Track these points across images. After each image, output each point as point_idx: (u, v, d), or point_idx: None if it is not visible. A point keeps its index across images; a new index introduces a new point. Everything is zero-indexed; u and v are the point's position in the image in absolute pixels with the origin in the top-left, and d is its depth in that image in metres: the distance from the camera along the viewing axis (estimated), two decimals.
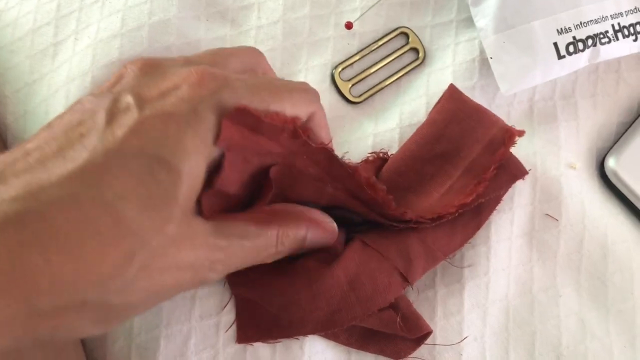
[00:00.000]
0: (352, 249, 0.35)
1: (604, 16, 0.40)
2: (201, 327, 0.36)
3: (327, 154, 0.32)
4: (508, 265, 0.39)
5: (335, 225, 0.35)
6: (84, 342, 0.38)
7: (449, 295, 0.38)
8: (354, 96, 0.41)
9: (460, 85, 0.41)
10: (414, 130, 0.40)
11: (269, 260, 0.33)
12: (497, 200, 0.39)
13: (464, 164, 0.37)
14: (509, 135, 0.37)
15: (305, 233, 0.33)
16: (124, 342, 0.36)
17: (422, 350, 0.37)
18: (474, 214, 0.38)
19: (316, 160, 0.32)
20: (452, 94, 0.39)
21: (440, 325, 0.38)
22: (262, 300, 0.35)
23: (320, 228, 0.34)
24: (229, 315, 0.37)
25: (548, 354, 0.39)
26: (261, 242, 0.31)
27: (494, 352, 0.38)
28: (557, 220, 0.40)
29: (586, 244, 0.40)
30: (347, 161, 0.36)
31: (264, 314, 0.35)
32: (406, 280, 0.36)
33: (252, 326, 0.35)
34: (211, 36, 0.41)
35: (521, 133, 0.38)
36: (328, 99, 0.41)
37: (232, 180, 0.30)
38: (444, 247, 0.37)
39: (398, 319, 0.35)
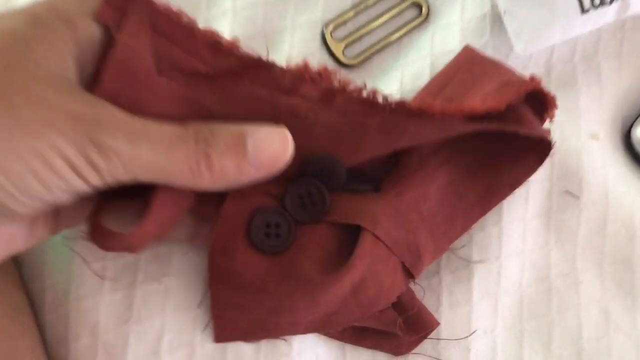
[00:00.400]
0: (363, 251, 0.30)
1: None
2: (176, 322, 0.32)
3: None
4: (522, 249, 0.36)
5: (289, 134, 0.29)
6: (44, 340, 0.33)
7: (455, 283, 0.35)
8: (348, 58, 0.36)
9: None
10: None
11: (204, 183, 0.27)
12: (515, 182, 0.34)
13: (475, 99, 0.32)
14: (531, 80, 0.32)
15: (243, 133, 0.27)
16: (89, 339, 0.32)
17: (425, 345, 0.34)
18: (481, 194, 0.33)
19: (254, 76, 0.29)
20: (466, 50, 0.34)
21: (445, 317, 0.34)
22: (247, 301, 0.30)
23: (267, 133, 0.28)
24: (203, 308, 0.32)
25: (567, 348, 0.35)
26: (169, 130, 0.26)
27: (506, 347, 0.35)
28: (577, 197, 0.37)
29: (610, 225, 0.37)
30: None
31: (247, 314, 0.31)
32: (411, 276, 0.31)
33: (231, 325, 0.31)
34: None
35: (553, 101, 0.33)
36: (318, 61, 0.36)
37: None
38: (448, 233, 0.33)
39: (399, 321, 0.31)
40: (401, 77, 0.37)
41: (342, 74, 0.31)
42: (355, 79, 0.37)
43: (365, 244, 0.30)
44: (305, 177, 0.31)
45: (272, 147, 0.28)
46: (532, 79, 0.32)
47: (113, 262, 0.32)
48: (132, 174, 0.25)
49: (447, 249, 0.33)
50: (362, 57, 0.37)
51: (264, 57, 0.29)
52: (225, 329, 0.31)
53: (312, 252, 0.31)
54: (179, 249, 0.33)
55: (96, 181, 0.25)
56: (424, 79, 0.37)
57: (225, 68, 0.29)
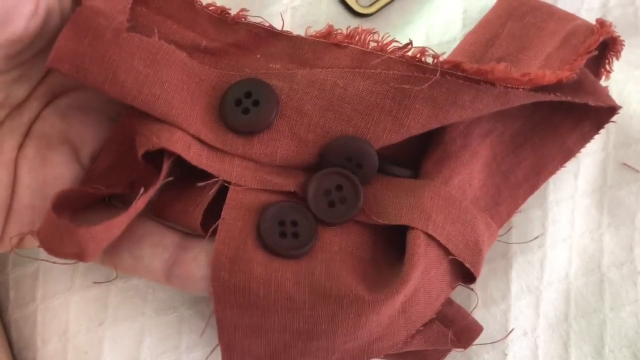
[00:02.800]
0: (417, 256, 0.24)
1: None
2: (158, 324, 0.28)
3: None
4: (570, 234, 0.31)
5: None
6: (9, 341, 0.29)
7: (490, 276, 0.30)
8: (362, 6, 0.31)
9: None
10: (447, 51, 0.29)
11: None
12: (567, 153, 0.28)
13: (536, 63, 0.27)
14: (601, 26, 0.26)
15: None
16: (58, 342, 0.29)
17: (453, 352, 0.29)
18: (527, 171, 0.28)
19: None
20: None
21: (479, 317, 0.29)
22: (267, 323, 0.24)
23: None
24: (193, 309, 0.28)
25: (621, 350, 0.31)
26: None
27: (549, 350, 0.30)
28: (637, 171, 0.32)
29: None
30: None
31: (267, 339, 0.25)
32: (468, 277, 0.26)
33: (246, 353, 0.25)
34: None
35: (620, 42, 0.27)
36: (326, 9, 0.32)
37: None
38: (494, 219, 0.27)
39: (450, 334, 0.26)
40: (427, 28, 0.32)
41: (378, 35, 0.26)
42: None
43: (418, 247, 0.24)
44: (330, 167, 0.26)
45: None
46: (602, 23, 0.26)
47: None
48: None
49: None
50: (379, 4, 0.31)
51: (276, 27, 0.26)
52: (236, 358, 0.26)
53: (344, 259, 0.25)
54: None
55: None
56: (455, 31, 0.31)
57: (232, 42, 0.26)
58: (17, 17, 0.22)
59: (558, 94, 0.25)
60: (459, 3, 0.32)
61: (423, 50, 0.25)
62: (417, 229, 0.24)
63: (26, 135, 0.25)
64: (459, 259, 0.25)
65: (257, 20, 0.26)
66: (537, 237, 0.30)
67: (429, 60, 0.25)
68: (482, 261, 0.26)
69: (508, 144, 0.28)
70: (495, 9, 0.29)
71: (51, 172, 0.25)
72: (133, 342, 0.28)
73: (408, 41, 0.25)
